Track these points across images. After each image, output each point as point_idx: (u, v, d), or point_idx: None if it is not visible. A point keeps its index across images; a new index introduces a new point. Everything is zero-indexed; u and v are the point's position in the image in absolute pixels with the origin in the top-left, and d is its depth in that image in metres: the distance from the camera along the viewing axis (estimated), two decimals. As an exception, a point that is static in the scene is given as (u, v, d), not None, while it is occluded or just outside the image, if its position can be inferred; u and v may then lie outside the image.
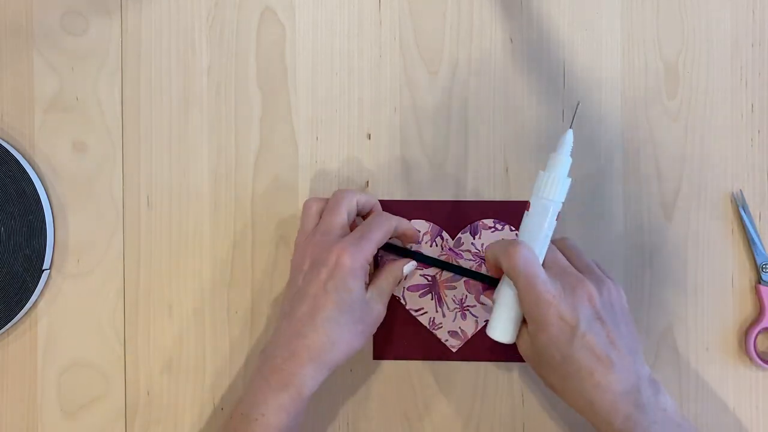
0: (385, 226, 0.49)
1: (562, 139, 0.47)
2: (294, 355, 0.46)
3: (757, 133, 0.56)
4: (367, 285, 0.49)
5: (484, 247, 0.54)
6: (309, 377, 0.45)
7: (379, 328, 0.51)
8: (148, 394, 0.57)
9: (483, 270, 0.56)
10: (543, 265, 0.46)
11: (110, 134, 0.57)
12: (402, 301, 0.56)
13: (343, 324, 0.46)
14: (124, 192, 0.57)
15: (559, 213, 0.47)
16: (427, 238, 0.56)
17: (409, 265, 0.53)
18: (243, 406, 0.46)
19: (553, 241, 0.48)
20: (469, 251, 0.56)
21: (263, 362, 0.47)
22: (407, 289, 0.56)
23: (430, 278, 0.56)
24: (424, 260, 0.54)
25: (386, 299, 0.50)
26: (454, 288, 0.56)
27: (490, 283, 0.53)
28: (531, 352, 0.46)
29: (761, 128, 0.56)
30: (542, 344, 0.44)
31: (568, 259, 0.47)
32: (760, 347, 0.55)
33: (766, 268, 0.55)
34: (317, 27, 0.57)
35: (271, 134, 0.57)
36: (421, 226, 0.56)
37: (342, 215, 0.49)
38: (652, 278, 0.55)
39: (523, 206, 0.56)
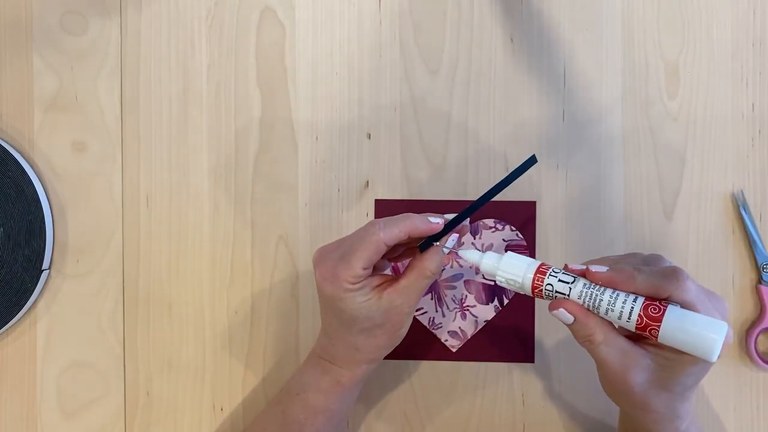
0: (369, 246, 0.44)
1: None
2: (332, 356, 0.49)
3: (758, 133, 0.56)
4: (386, 284, 0.47)
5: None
6: (345, 371, 0.48)
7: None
8: (148, 394, 0.56)
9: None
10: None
11: (110, 134, 0.57)
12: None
13: (357, 333, 0.46)
14: (123, 192, 0.57)
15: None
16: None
17: (449, 243, 0.46)
18: (291, 382, 0.51)
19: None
20: (469, 251, 0.56)
21: (313, 350, 0.50)
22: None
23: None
24: (457, 222, 0.46)
25: (411, 294, 0.46)
26: (454, 288, 0.56)
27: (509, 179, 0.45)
28: (657, 375, 0.42)
29: (761, 128, 0.56)
30: (686, 373, 0.41)
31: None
32: (761, 347, 0.55)
33: (766, 268, 0.55)
34: (317, 27, 0.57)
35: (271, 134, 0.57)
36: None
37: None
38: (652, 278, 0.55)
39: (523, 206, 0.56)
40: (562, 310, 0.41)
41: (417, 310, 0.56)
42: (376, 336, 0.46)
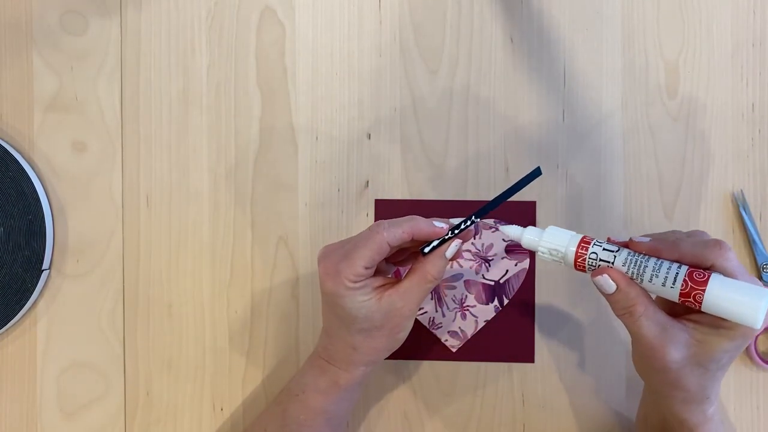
0: (372, 246, 0.44)
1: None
2: (330, 356, 0.49)
3: (758, 133, 0.56)
4: (387, 286, 0.46)
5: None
6: (342, 372, 0.48)
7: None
8: (148, 394, 0.56)
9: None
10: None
11: (110, 134, 0.57)
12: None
13: (356, 332, 0.46)
14: (123, 192, 0.57)
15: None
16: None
17: (452, 249, 0.46)
18: (291, 383, 0.51)
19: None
20: (469, 251, 0.56)
21: (315, 350, 0.51)
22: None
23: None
24: (460, 228, 0.46)
25: (412, 297, 0.46)
26: (454, 288, 0.56)
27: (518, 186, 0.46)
28: (693, 351, 0.41)
29: (761, 128, 0.56)
30: (722, 349, 0.41)
31: None
32: (761, 347, 0.55)
33: (766, 268, 0.55)
34: (317, 27, 0.57)
35: (271, 134, 0.57)
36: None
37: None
38: (652, 278, 0.55)
39: (523, 206, 0.56)
40: (606, 276, 0.41)
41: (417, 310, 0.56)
42: (374, 337, 0.46)
